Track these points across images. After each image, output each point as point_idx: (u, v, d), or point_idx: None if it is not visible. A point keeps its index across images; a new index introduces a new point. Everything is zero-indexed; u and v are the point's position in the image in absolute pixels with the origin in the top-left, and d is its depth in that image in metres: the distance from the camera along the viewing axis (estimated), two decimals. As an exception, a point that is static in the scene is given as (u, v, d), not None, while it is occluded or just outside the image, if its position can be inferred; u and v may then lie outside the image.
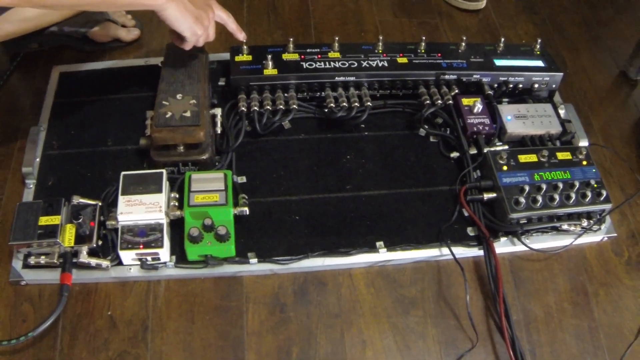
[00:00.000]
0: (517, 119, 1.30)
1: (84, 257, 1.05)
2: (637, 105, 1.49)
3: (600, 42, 1.65)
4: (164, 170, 1.12)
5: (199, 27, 1.12)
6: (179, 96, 1.19)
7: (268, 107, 1.26)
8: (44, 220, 1.05)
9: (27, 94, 1.37)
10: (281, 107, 1.27)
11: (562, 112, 1.35)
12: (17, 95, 1.38)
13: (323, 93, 1.32)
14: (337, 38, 1.35)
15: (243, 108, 1.26)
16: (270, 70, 1.29)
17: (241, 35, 1.28)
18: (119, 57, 1.45)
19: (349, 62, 1.32)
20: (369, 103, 1.29)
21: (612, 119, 1.45)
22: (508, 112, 1.31)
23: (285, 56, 1.32)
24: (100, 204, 1.11)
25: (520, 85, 1.37)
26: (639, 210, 1.28)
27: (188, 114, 1.15)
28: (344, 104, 1.28)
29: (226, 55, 1.37)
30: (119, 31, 1.45)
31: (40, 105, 1.33)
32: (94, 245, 1.06)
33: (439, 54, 1.37)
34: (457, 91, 1.33)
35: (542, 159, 1.21)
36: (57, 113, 1.31)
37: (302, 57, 1.33)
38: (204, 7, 1.14)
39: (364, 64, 1.32)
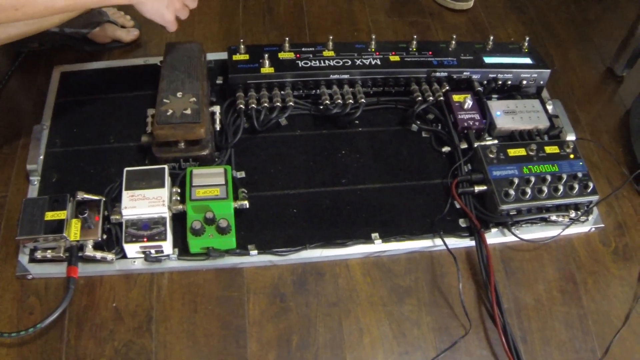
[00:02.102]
0: (506, 115, 1.33)
1: (89, 251, 1.08)
2: (623, 100, 1.53)
3: (587, 40, 1.68)
4: (165, 166, 1.15)
5: (167, 14, 1.16)
6: (179, 94, 1.22)
7: (265, 104, 1.29)
8: (50, 216, 1.07)
9: (29, 93, 1.39)
10: (278, 104, 1.30)
11: (549, 107, 1.38)
12: (19, 95, 1.40)
13: (318, 90, 1.35)
14: (331, 37, 1.38)
15: (241, 105, 1.29)
16: (267, 69, 1.32)
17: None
18: (119, 57, 1.47)
19: (343, 60, 1.36)
20: (362, 100, 1.32)
21: (598, 114, 1.49)
22: (497, 107, 1.34)
23: (282, 55, 1.35)
24: (104, 199, 1.14)
25: (509, 82, 1.40)
26: (626, 202, 1.32)
27: (188, 111, 1.18)
28: (339, 101, 1.31)
29: (223, 55, 1.40)
30: (118, 32, 1.48)
31: (43, 104, 1.35)
32: (99, 239, 1.09)
33: (430, 52, 1.40)
34: (447, 88, 1.37)
35: (531, 153, 1.25)
36: (59, 112, 1.34)
37: (298, 55, 1.36)
38: None
39: (358, 62, 1.36)
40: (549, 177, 1.21)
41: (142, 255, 1.11)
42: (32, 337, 1.04)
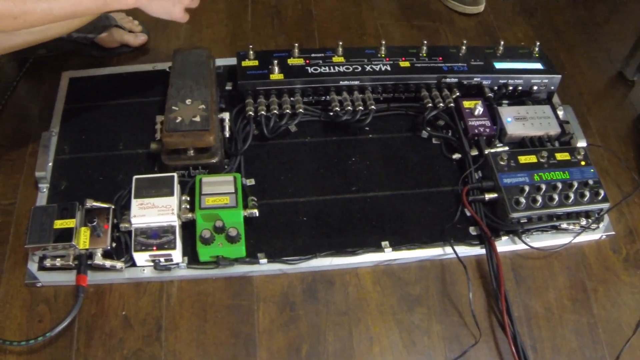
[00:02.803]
0: (516, 121, 1.32)
1: (98, 259, 1.08)
2: (634, 104, 1.52)
3: (597, 43, 1.67)
4: (175, 174, 1.15)
5: (176, 11, 1.17)
6: (188, 101, 1.21)
7: (275, 111, 1.28)
8: (59, 224, 1.07)
9: (36, 99, 1.39)
10: (287, 111, 1.29)
11: (560, 113, 1.38)
12: (27, 101, 1.40)
13: (328, 97, 1.35)
14: (340, 43, 1.37)
15: (251, 112, 1.28)
16: (276, 75, 1.31)
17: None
18: (127, 63, 1.47)
19: (353, 66, 1.35)
20: (372, 106, 1.31)
21: (609, 119, 1.48)
22: (508, 114, 1.33)
23: (291, 61, 1.35)
24: (113, 207, 1.14)
25: (520, 88, 1.39)
26: (636, 209, 1.31)
27: (197, 118, 1.18)
28: (349, 107, 1.31)
29: (232, 60, 1.39)
30: (126, 37, 1.47)
31: (51, 110, 1.35)
32: (108, 248, 1.09)
33: (440, 58, 1.39)
34: (458, 94, 1.36)
35: (542, 160, 1.24)
36: (67, 118, 1.33)
37: (307, 61, 1.35)
38: None
39: (368, 68, 1.35)
40: (559, 185, 1.20)
41: (152, 264, 1.11)
42: (42, 346, 1.04)
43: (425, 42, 1.40)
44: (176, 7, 1.17)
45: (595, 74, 1.59)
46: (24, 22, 0.97)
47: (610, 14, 1.78)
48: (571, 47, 1.65)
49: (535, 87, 1.40)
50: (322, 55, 1.37)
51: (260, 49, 1.46)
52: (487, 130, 1.30)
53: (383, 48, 1.38)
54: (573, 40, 1.67)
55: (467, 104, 1.33)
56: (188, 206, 1.14)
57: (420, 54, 1.40)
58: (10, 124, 1.34)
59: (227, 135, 1.28)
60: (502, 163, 1.23)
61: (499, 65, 1.39)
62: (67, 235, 1.06)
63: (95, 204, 1.13)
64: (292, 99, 1.32)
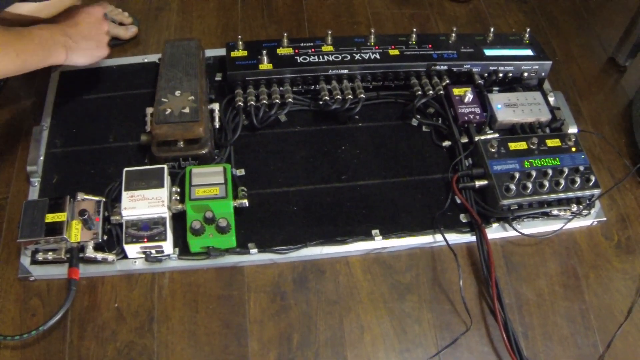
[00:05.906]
0: (507, 108, 1.32)
1: (90, 252, 1.08)
2: (626, 91, 1.51)
3: (588, 29, 1.67)
4: (165, 166, 1.15)
5: (101, 52, 1.27)
6: (177, 93, 1.21)
7: (264, 101, 1.29)
8: (50, 218, 1.07)
9: (28, 93, 1.39)
10: (277, 101, 1.29)
11: (551, 99, 1.37)
12: (18, 95, 1.39)
13: (317, 86, 1.35)
14: (330, 32, 1.36)
15: (240, 103, 1.28)
16: (265, 65, 1.31)
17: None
18: (118, 55, 1.46)
19: (342, 55, 1.34)
20: (362, 95, 1.31)
21: (601, 106, 1.47)
22: (498, 100, 1.33)
23: (280, 51, 1.35)
24: (104, 199, 1.14)
25: (510, 74, 1.39)
26: (628, 195, 1.31)
27: (187, 110, 1.18)
28: (338, 96, 1.31)
29: (222, 51, 1.39)
30: (116, 30, 1.47)
31: (42, 104, 1.35)
32: (100, 240, 1.09)
33: (430, 45, 1.39)
34: (448, 81, 1.36)
35: (532, 147, 1.24)
36: (58, 112, 1.34)
37: (297, 51, 1.35)
38: (95, 32, 1.25)
39: (357, 56, 1.34)
40: (550, 171, 1.20)
41: (143, 256, 1.12)
42: (35, 339, 1.05)
43: (415, 30, 1.39)
44: (101, 48, 1.26)
45: (587, 60, 1.58)
46: None
47: (603, 0, 1.77)
48: (563, 33, 1.65)
49: (525, 74, 1.39)
50: (311, 44, 1.36)
51: (251, 39, 1.46)
52: (477, 117, 1.30)
53: (372, 36, 1.38)
54: (565, 27, 1.67)
55: (457, 91, 1.33)
56: (178, 197, 1.14)
57: (410, 42, 1.39)
58: (1, 118, 1.34)
59: (217, 126, 1.28)
60: (492, 150, 1.23)
61: (489, 52, 1.39)
62: (58, 229, 1.07)
63: (86, 196, 1.13)
64: (281, 88, 1.32)
